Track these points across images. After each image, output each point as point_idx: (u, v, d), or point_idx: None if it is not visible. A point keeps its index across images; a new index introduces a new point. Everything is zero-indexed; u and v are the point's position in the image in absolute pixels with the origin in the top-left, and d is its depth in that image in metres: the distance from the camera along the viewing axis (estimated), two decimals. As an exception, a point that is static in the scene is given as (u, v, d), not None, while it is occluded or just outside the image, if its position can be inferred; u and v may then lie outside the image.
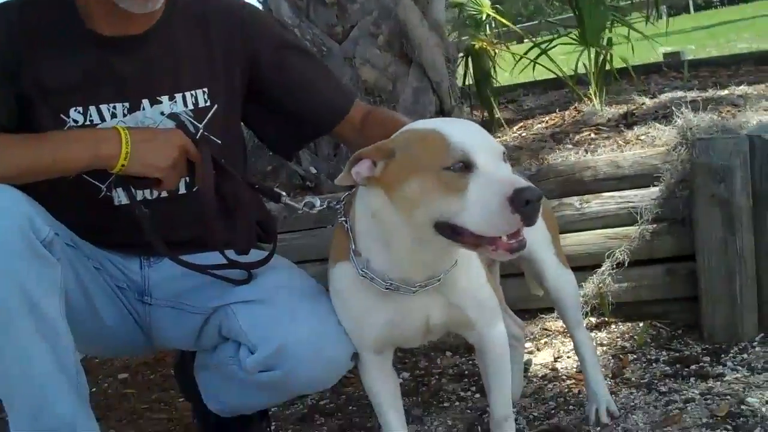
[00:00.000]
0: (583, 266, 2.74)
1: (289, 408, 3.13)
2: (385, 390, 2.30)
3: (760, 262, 3.03)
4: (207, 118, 2.43)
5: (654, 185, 3.20)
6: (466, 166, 1.84)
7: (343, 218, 2.16)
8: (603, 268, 3.21)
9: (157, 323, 2.49)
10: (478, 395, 2.99)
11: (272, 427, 2.86)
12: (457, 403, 2.96)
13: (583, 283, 3.17)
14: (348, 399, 3.14)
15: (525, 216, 1.78)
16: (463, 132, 1.91)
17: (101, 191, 2.39)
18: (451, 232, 1.88)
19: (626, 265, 3.20)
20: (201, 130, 2.41)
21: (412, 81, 4.28)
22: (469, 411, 2.89)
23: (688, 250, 3.15)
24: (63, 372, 2.10)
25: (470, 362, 3.28)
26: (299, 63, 2.56)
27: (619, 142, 4.10)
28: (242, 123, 2.64)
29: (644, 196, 3.21)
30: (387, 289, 2.07)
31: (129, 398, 3.50)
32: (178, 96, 2.38)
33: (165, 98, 2.37)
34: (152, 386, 3.61)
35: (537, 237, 2.52)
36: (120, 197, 2.40)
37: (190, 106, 2.40)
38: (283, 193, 2.49)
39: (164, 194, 2.42)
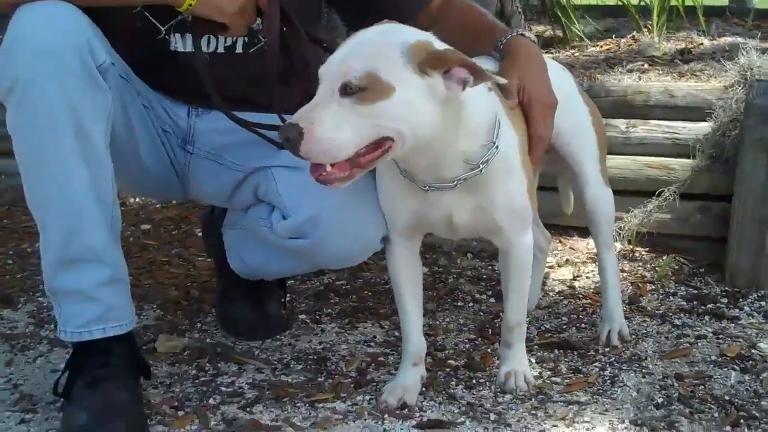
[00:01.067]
0: (618, 190, 2.72)
1: (305, 282, 3.16)
2: (407, 275, 2.31)
3: (795, 215, 3.01)
4: None
5: (704, 121, 3.16)
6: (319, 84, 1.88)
7: None
8: (650, 206, 3.20)
9: (194, 173, 2.51)
10: (492, 300, 3.01)
11: (287, 298, 2.88)
12: (471, 304, 2.99)
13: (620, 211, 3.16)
14: (364, 283, 3.17)
15: (289, 149, 1.85)
16: (341, 48, 1.91)
17: (160, 33, 2.37)
18: None
19: (677, 203, 3.19)
20: None
21: (479, -22, 4.21)
22: (482, 313, 2.91)
23: (724, 190, 3.13)
24: (100, 201, 2.11)
25: (489, 267, 3.30)
26: None
27: (674, 74, 4.05)
28: (326, 1, 2.63)
29: (692, 130, 3.18)
30: (403, 176, 2.07)
31: (149, 249, 3.54)
32: None
33: None
34: (173, 241, 3.65)
35: (585, 148, 2.52)
36: (177, 43, 2.38)
37: None
38: None
39: (221, 50, 2.40)
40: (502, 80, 1.99)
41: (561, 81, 2.40)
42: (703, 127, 3.18)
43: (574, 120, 2.45)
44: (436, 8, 2.52)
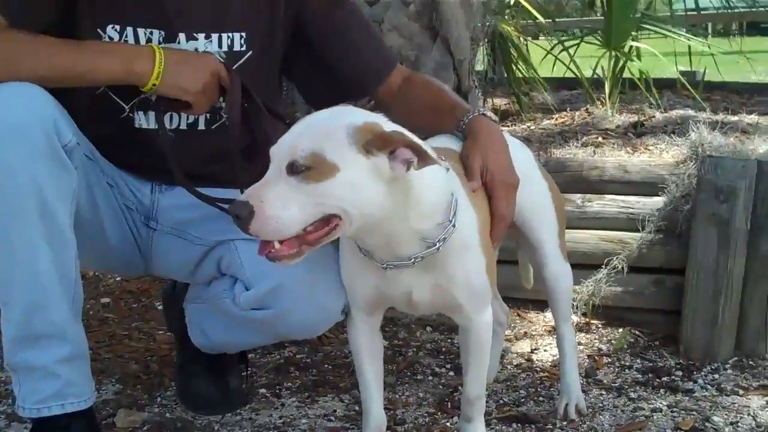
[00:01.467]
0: (575, 263, 2.77)
1: (265, 356, 3.17)
2: (368, 349, 2.33)
3: (746, 287, 3.07)
4: (239, 62, 2.43)
5: (658, 195, 3.23)
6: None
7: None
8: (600, 275, 3.26)
9: (157, 249, 2.53)
10: (452, 373, 3.03)
11: (248, 372, 2.89)
12: (430, 378, 3.01)
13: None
14: (325, 356, 3.18)
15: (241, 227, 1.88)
16: (291, 130, 1.94)
17: (124, 111, 2.40)
18: None
19: (624, 273, 3.25)
20: None
21: (436, 55, 4.27)
22: (441, 387, 2.93)
23: (678, 263, 3.19)
24: (63, 279, 2.13)
25: (449, 340, 3.32)
26: (346, 18, 2.57)
27: (627, 149, 4.14)
28: (286, 76, 2.67)
29: (646, 204, 3.25)
30: (364, 257, 2.11)
31: (109, 323, 3.54)
32: (215, 36, 2.39)
33: (202, 36, 2.37)
34: (133, 315, 3.65)
35: (544, 224, 2.58)
36: (141, 120, 2.41)
37: (225, 48, 2.40)
38: None
39: (183, 126, 2.44)
40: (444, 163, 2.02)
41: (520, 157, 2.46)
42: (656, 202, 3.24)
43: (533, 196, 2.50)
44: (397, 84, 2.57)
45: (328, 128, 1.91)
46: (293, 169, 1.85)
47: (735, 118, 4.56)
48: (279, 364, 3.11)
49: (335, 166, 1.86)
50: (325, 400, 2.82)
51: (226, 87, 2.36)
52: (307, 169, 1.84)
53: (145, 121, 2.42)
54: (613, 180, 3.34)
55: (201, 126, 2.47)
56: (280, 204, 1.84)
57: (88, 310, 3.64)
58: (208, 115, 2.45)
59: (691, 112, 4.93)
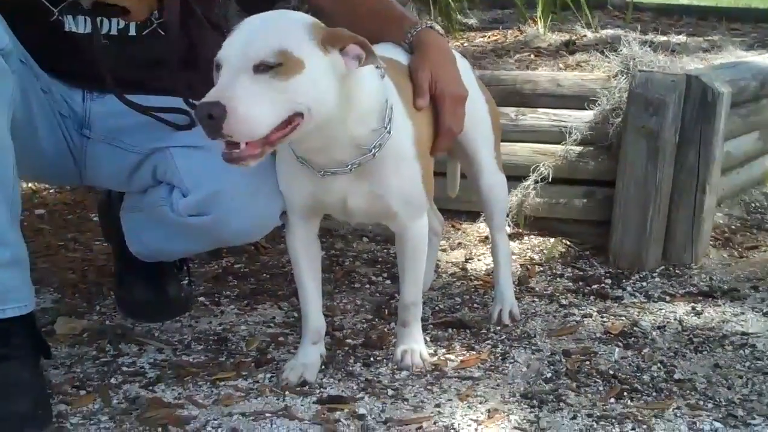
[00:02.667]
0: (508, 176, 2.82)
1: (203, 266, 3.20)
2: (306, 255, 2.37)
3: (673, 199, 3.16)
4: None
5: (589, 108, 3.29)
6: (217, 69, 1.91)
7: None
8: (528, 182, 3.32)
9: (91, 158, 2.51)
10: (388, 282, 3.09)
11: (186, 281, 2.91)
12: (367, 286, 3.07)
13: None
14: (262, 266, 3.22)
15: (205, 129, 1.85)
16: (240, 31, 1.92)
17: (52, 14, 2.36)
18: None
19: (549, 180, 3.31)
20: None
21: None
22: (378, 294, 2.99)
23: (608, 176, 3.27)
24: (1, 184, 2.10)
25: (385, 250, 3.38)
26: None
27: (560, 65, 4.19)
28: None
29: (577, 118, 3.31)
30: (300, 164, 2.13)
31: (44, 234, 3.53)
32: None
33: None
34: (68, 226, 3.65)
35: (481, 135, 2.61)
36: (70, 24, 2.38)
37: None
38: None
39: (113, 32, 2.41)
40: (382, 65, 2.07)
41: (461, 69, 2.48)
42: (587, 115, 3.30)
43: (472, 108, 2.50)
44: None
45: (288, 26, 1.92)
46: (261, 67, 1.84)
47: (664, 38, 4.62)
48: (217, 274, 3.14)
49: (301, 62, 1.87)
50: (264, 308, 2.86)
51: None
52: (278, 66, 1.84)
53: (74, 25, 2.38)
54: (546, 94, 3.39)
55: (132, 32, 2.44)
56: (252, 102, 1.83)
57: (23, 221, 3.54)
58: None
59: (621, 32, 4.98)
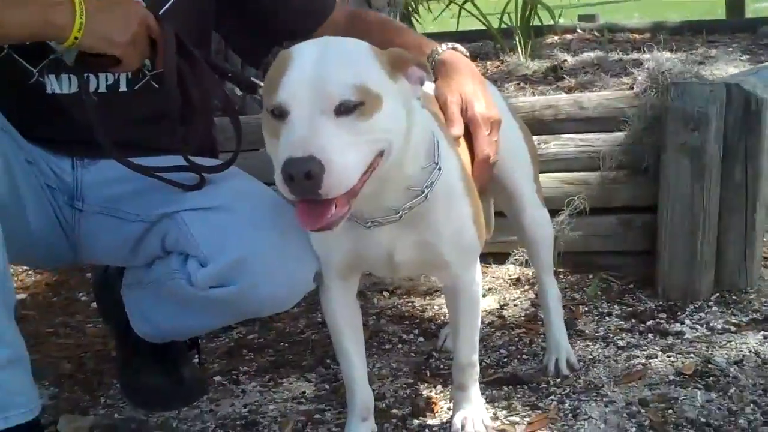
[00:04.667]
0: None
1: (213, 341, 2.86)
2: (347, 320, 2.08)
3: (721, 220, 2.89)
4: (165, 7, 2.12)
5: (618, 130, 3.02)
6: (282, 114, 1.58)
7: None
8: (561, 217, 3.02)
9: (86, 232, 2.20)
10: (421, 339, 2.79)
11: (199, 359, 2.59)
12: (399, 346, 2.75)
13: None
14: (278, 334, 2.90)
15: (295, 190, 1.53)
16: (302, 64, 1.60)
17: (32, 76, 2.09)
18: None
19: (586, 213, 3.03)
20: None
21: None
22: (413, 354, 2.68)
23: (646, 201, 3.00)
24: None
25: (410, 304, 3.08)
26: None
27: (564, 90, 3.95)
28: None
29: (607, 141, 3.03)
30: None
31: (30, 321, 3.17)
32: None
33: None
34: (55, 309, 3.30)
35: (519, 166, 2.34)
36: (53, 85, 2.11)
37: None
38: (261, 83, 2.19)
39: (102, 89, 2.13)
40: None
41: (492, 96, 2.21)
42: (617, 137, 3.03)
43: (506, 136, 2.22)
44: (341, 22, 2.32)
45: (359, 55, 1.65)
46: (343, 108, 1.55)
47: (648, 56, 4.40)
48: (230, 348, 2.82)
49: (380, 97, 1.60)
50: (290, 382, 2.55)
51: (156, 39, 2.04)
52: (361, 105, 1.56)
53: (57, 86, 2.11)
54: (568, 118, 3.11)
55: (122, 87, 2.17)
56: (344, 152, 1.54)
57: (4, 309, 3.27)
58: (129, 74, 2.15)
59: (601, 53, 4.80)
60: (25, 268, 3.66)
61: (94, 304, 2.93)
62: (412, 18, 5.32)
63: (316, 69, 1.57)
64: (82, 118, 2.03)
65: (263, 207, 2.06)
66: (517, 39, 4.99)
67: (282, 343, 2.83)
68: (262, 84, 2.08)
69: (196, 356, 2.57)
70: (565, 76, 4.27)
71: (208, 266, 2.02)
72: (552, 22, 5.38)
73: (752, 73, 3.30)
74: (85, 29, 1.90)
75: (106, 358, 2.77)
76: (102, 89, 2.15)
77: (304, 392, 2.47)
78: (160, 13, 2.08)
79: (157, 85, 2.18)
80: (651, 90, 2.97)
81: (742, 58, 4.59)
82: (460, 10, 5.65)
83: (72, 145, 2.15)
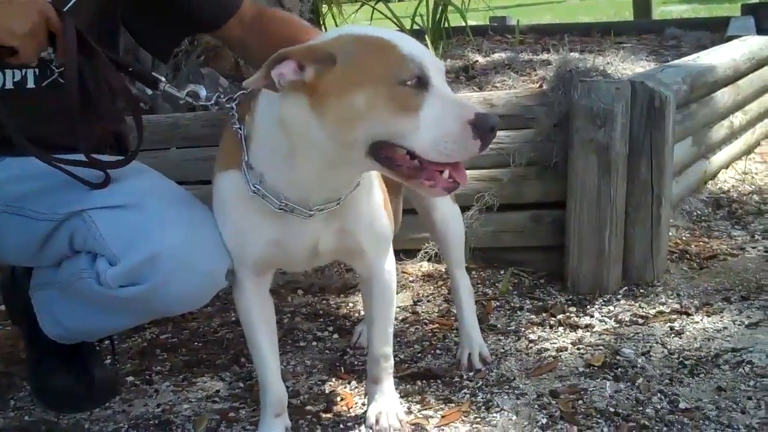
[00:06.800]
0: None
1: (125, 341, 2.83)
2: (261, 317, 2.08)
3: (628, 213, 2.95)
4: (70, 4, 2.10)
5: (527, 127, 3.06)
6: (421, 83, 1.65)
7: (237, 125, 1.90)
8: (471, 212, 3.05)
9: None
10: (336, 336, 2.80)
11: (110, 359, 2.56)
12: (314, 343, 2.75)
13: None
14: (192, 334, 2.87)
15: (486, 142, 1.64)
16: (414, 46, 1.71)
17: None
18: (385, 157, 1.68)
19: (495, 209, 3.06)
20: None
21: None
22: (328, 351, 2.68)
23: (555, 196, 3.05)
24: None
25: (324, 302, 3.08)
26: None
27: (474, 89, 3.99)
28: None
29: (516, 138, 3.07)
30: (280, 209, 1.85)
31: (-67, 324, 3.10)
32: None
33: None
34: (-39, 312, 3.23)
35: None
36: None
37: None
38: (162, 78, 2.17)
39: (9, 86, 2.10)
40: None
41: None
42: (527, 134, 3.07)
43: None
44: (248, 17, 2.32)
45: None
46: None
47: (556, 57, 4.47)
48: (143, 348, 2.78)
49: None
50: (204, 381, 2.53)
51: (56, 32, 1.99)
52: None
53: None
54: (478, 116, 3.14)
55: (30, 84, 2.14)
56: None
57: None
58: (37, 71, 2.13)
59: (512, 54, 4.87)
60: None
61: (2, 306, 2.87)
62: (320, 20, 5.30)
63: (423, 46, 1.72)
64: None
65: (173, 204, 2.05)
66: (427, 40, 5.02)
67: (196, 343, 2.81)
68: (163, 79, 2.09)
69: (109, 356, 2.54)
70: (476, 76, 4.33)
71: (118, 265, 1.99)
72: (465, 21, 5.42)
73: (657, 72, 3.39)
74: None
75: (14, 359, 2.71)
76: (9, 86, 2.11)
77: (218, 391, 2.46)
78: (64, 9, 2.05)
79: (63, 82, 2.14)
80: (559, 88, 3.02)
81: (647, 58, 4.71)
82: (372, 12, 5.67)
83: None
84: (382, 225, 2.03)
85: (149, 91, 3.93)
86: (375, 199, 1.99)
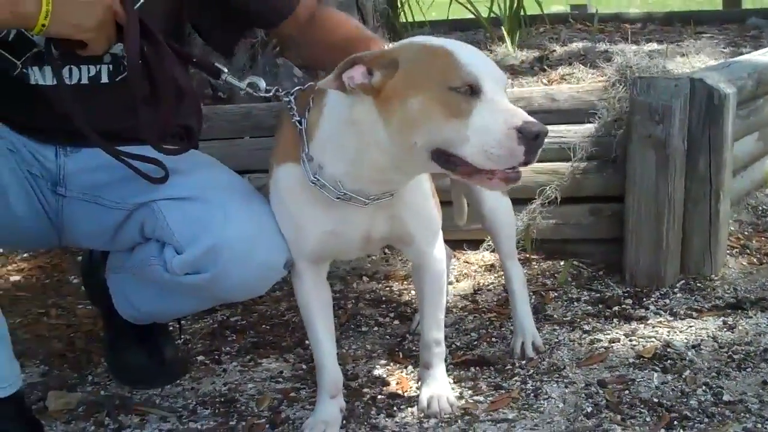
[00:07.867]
0: (512, 199, 2.66)
1: (197, 322, 2.98)
2: (318, 302, 2.20)
3: (686, 209, 3.00)
4: (140, 2, 2.20)
5: (588, 122, 3.13)
6: (473, 90, 1.75)
7: (296, 118, 2.02)
8: (533, 205, 3.14)
9: (69, 217, 2.31)
10: (396, 322, 2.90)
11: (182, 339, 2.71)
12: (375, 329, 2.87)
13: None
14: (260, 317, 3.01)
15: (531, 150, 1.73)
16: (472, 54, 1.82)
17: (16, 68, 2.18)
18: (446, 160, 1.79)
19: (558, 202, 3.14)
20: None
21: (338, -7, 4.10)
22: (388, 337, 2.79)
23: (615, 190, 3.11)
24: None
25: (387, 289, 3.19)
26: None
27: (543, 81, 4.04)
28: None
29: (577, 133, 3.14)
30: (338, 198, 1.96)
31: (22, 301, 3.29)
32: None
33: None
34: (47, 291, 3.41)
35: None
36: (36, 76, 2.19)
37: None
38: (225, 69, 2.27)
39: (84, 81, 2.22)
40: None
41: None
42: (587, 129, 3.14)
43: None
44: (304, 17, 2.38)
45: None
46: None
47: (634, 47, 4.49)
48: (213, 329, 2.93)
49: None
50: (269, 362, 2.66)
51: (122, 24, 2.09)
52: None
53: (41, 77, 2.19)
54: (541, 110, 3.20)
55: (104, 79, 2.25)
56: None
57: (-2, 291, 3.40)
58: (110, 66, 2.24)
59: (589, 44, 4.88)
60: (19, 251, 3.78)
61: (83, 287, 3.04)
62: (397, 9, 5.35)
63: (485, 56, 1.83)
64: (63, 108, 2.13)
65: (235, 197, 2.17)
66: (504, 29, 5.05)
67: (263, 325, 2.94)
68: (225, 70, 2.20)
69: (180, 337, 2.68)
70: (551, 66, 4.35)
71: (183, 254, 2.13)
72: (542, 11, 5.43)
73: (722, 67, 3.41)
74: (51, 16, 1.96)
75: (94, 338, 2.88)
76: (84, 81, 2.23)
77: (281, 372, 2.58)
78: (134, 8, 2.13)
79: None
80: (619, 83, 3.08)
81: (725, 50, 4.68)
82: (450, 1, 5.71)
83: (55, 133, 2.25)
84: (430, 213, 2.15)
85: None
86: (424, 187, 2.11)
